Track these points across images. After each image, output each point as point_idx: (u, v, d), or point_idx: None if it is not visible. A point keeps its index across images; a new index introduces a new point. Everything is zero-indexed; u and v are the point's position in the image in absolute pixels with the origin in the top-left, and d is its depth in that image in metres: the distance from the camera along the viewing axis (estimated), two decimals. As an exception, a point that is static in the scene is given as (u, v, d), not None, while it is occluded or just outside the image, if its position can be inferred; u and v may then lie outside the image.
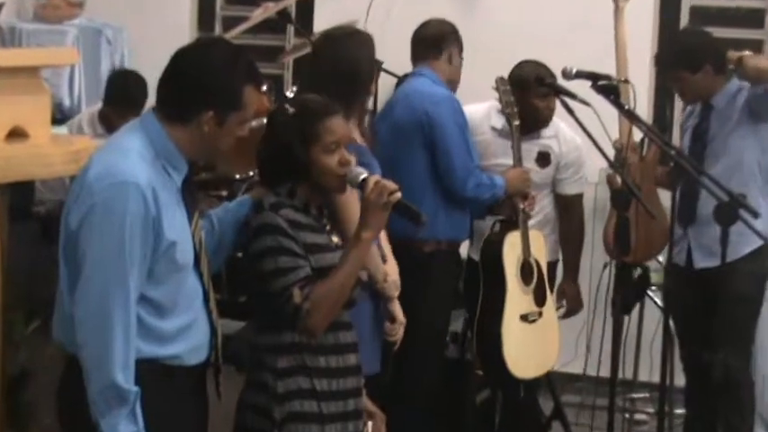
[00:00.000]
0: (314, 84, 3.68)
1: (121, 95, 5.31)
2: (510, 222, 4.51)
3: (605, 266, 5.15)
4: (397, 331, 3.79)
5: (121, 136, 2.79)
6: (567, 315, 5.04)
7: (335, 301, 2.95)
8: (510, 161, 4.57)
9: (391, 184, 2.96)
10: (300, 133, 2.99)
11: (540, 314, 4.54)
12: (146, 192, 2.62)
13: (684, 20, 6.17)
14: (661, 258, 5.09)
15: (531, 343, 4.50)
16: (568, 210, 5.00)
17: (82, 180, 2.68)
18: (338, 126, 3.03)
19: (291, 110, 3.05)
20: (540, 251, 4.58)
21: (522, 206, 4.47)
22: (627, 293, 4.48)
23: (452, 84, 4.61)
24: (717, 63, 4.57)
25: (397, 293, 3.75)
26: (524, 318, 4.48)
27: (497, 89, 4.50)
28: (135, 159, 2.66)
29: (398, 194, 2.96)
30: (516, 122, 4.47)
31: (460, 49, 4.64)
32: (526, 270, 4.49)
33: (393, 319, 3.77)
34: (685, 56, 4.62)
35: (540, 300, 4.55)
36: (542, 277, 4.56)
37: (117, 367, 2.59)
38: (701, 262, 4.65)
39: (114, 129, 5.27)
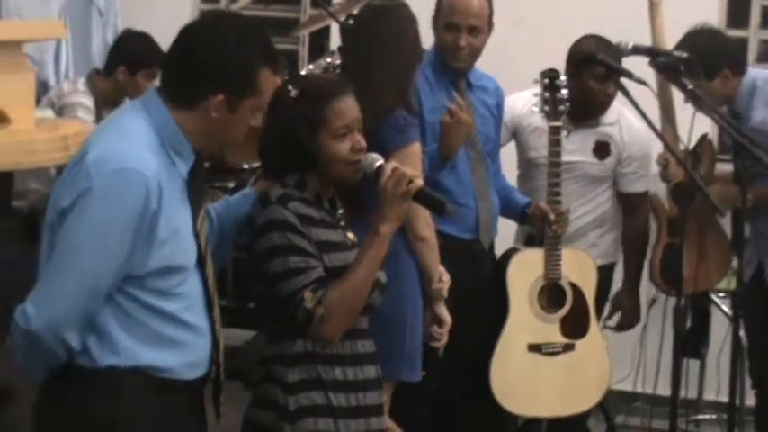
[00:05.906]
0: (363, 66, 3.78)
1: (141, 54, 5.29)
2: (537, 238, 4.46)
3: (652, 303, 5.10)
4: (444, 335, 3.96)
5: (123, 116, 2.79)
6: (619, 329, 4.99)
7: (352, 305, 2.97)
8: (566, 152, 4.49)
9: (410, 171, 2.97)
10: (306, 118, 3.01)
11: (570, 347, 4.44)
12: (151, 185, 2.61)
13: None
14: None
15: (544, 378, 4.41)
16: (633, 211, 4.92)
17: (80, 164, 2.64)
18: (348, 108, 3.04)
19: (294, 91, 3.06)
20: (586, 275, 4.47)
21: (551, 225, 4.34)
22: (689, 337, 4.44)
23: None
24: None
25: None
26: (536, 348, 4.41)
27: (540, 82, 4.39)
28: (141, 146, 2.65)
29: (419, 182, 2.97)
30: (555, 124, 4.36)
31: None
32: (551, 294, 4.43)
33: (441, 323, 3.93)
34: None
35: (572, 331, 4.44)
36: (582, 305, 4.45)
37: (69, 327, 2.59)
38: None
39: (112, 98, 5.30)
